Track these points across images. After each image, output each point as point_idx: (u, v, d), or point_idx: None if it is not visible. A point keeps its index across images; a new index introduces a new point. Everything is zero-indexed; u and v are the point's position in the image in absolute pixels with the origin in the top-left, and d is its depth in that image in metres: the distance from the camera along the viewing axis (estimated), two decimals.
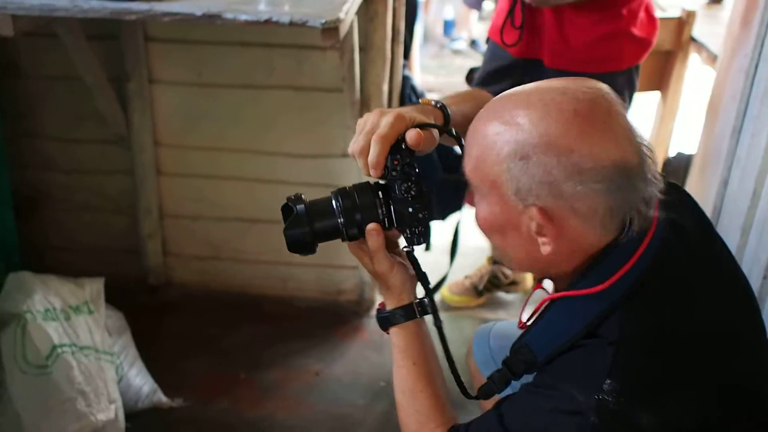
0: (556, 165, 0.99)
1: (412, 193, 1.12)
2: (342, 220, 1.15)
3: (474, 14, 6.29)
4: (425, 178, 1.14)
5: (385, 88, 2.47)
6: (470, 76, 2.61)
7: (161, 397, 2.32)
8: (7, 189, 2.48)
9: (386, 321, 1.22)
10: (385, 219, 1.15)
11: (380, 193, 1.15)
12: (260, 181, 2.68)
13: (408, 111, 1.16)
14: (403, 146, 1.11)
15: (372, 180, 1.15)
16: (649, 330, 1.02)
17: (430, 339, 1.23)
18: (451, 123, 1.23)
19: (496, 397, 1.17)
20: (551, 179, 1.00)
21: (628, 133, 1.02)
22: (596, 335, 1.02)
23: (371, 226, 1.15)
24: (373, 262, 1.19)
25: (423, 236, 1.15)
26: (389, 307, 1.22)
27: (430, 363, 1.21)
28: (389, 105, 2.53)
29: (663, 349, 1.02)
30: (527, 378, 1.12)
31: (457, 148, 1.20)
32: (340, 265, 2.72)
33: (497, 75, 2.09)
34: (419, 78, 4.55)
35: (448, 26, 6.47)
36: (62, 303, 2.19)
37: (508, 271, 2.85)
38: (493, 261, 2.86)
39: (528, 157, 1.00)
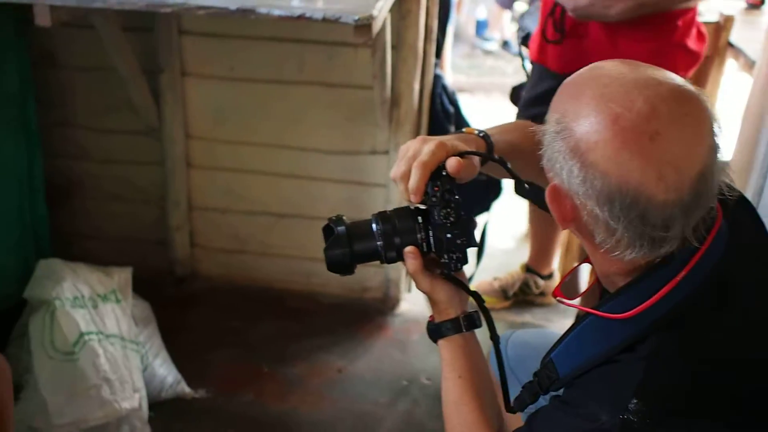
0: (569, 156, 0.97)
1: (451, 219, 1.13)
2: (381, 243, 1.16)
3: (507, 15, 6.26)
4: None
5: (416, 86, 2.47)
6: (514, 95, 2.57)
7: (184, 388, 2.34)
8: (40, 177, 2.51)
9: (433, 333, 1.22)
10: (424, 243, 1.16)
11: (419, 218, 1.16)
12: (288, 176, 2.69)
13: (450, 139, 1.16)
14: (444, 173, 1.12)
15: (412, 205, 1.17)
16: (686, 352, 0.99)
17: (479, 352, 1.22)
18: (494, 152, 1.22)
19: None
20: (561, 165, 0.98)
21: (675, 167, 0.92)
22: (632, 350, 1.00)
23: (409, 249, 1.16)
24: (413, 281, 1.20)
25: (460, 262, 1.16)
26: (436, 320, 1.22)
27: (475, 376, 1.20)
28: (420, 103, 2.53)
29: (697, 374, 0.99)
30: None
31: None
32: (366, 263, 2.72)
33: (546, 97, 2.06)
34: (450, 77, 4.54)
35: (481, 26, 6.44)
36: (90, 291, 2.21)
37: (540, 282, 2.81)
38: (527, 269, 2.83)
39: (559, 133, 0.99)
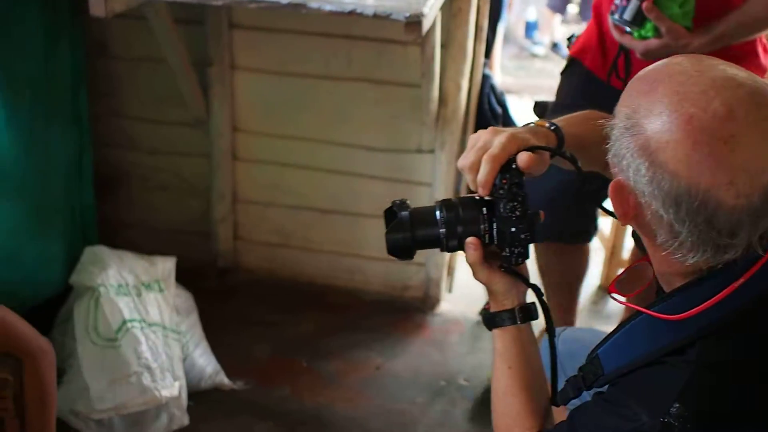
0: (638, 154, 0.94)
1: (517, 213, 1.11)
2: (444, 230, 1.16)
3: (557, 17, 6.19)
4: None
5: (465, 85, 2.45)
6: (537, 109, 2.46)
7: (223, 379, 2.35)
8: (89, 166, 2.55)
9: (488, 322, 1.22)
10: (486, 235, 1.15)
11: (484, 209, 1.15)
12: (333, 171, 2.69)
13: (521, 132, 1.15)
14: (513, 166, 1.11)
15: (477, 195, 1.16)
16: (734, 360, 0.97)
17: (533, 345, 1.21)
18: (565, 146, 1.19)
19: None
20: (628, 162, 0.96)
21: (748, 173, 0.89)
22: (680, 353, 0.98)
23: (470, 239, 1.15)
24: (471, 271, 1.19)
25: (521, 257, 1.14)
26: (492, 309, 1.21)
27: (526, 369, 1.19)
28: (467, 103, 2.51)
29: (743, 382, 0.96)
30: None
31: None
32: (407, 261, 2.70)
33: (584, 101, 1.98)
34: (499, 78, 4.50)
35: (530, 28, 6.38)
36: (135, 279, 2.24)
37: None
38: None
39: (628, 129, 0.96)
